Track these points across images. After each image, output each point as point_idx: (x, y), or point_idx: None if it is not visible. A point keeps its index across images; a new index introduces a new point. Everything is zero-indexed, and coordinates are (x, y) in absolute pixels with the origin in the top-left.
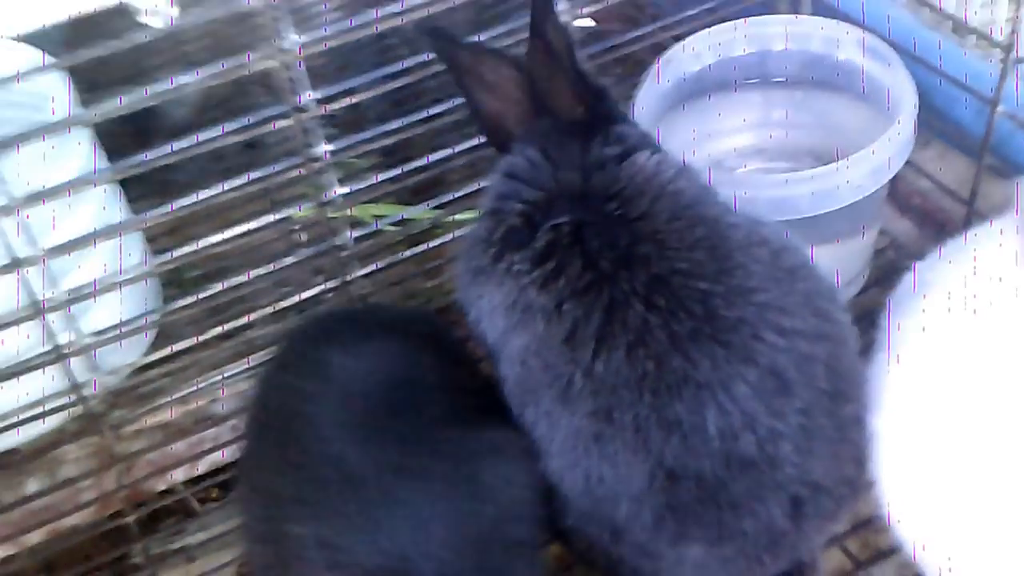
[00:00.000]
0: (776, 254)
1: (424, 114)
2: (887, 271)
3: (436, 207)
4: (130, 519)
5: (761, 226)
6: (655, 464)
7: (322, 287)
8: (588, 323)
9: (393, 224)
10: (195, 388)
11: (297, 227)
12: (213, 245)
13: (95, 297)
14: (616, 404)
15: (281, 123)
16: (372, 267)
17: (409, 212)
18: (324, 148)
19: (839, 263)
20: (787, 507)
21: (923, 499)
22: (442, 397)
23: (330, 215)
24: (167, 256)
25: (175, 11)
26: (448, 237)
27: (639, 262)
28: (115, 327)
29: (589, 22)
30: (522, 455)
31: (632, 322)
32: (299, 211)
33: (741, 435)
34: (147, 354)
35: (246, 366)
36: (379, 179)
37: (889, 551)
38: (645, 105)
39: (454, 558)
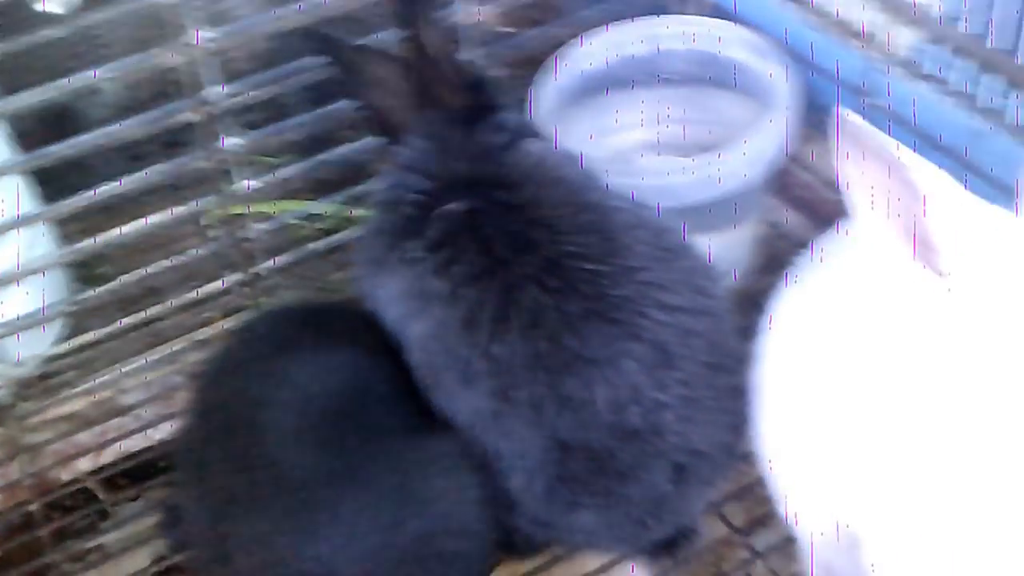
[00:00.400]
0: (657, 235)
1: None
2: (773, 260)
3: (347, 201)
4: (44, 531)
5: (642, 209)
6: (549, 438)
7: (231, 280)
8: (484, 307)
9: (302, 219)
10: (103, 379)
11: (208, 223)
12: (122, 236)
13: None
14: (512, 383)
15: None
16: (272, 261)
17: (313, 207)
18: (232, 141)
19: (724, 251)
20: (670, 473)
21: (799, 470)
22: (392, 406)
23: (235, 210)
24: (76, 247)
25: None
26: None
27: (531, 247)
28: (23, 318)
29: (496, 22)
30: (466, 466)
31: (526, 304)
32: (204, 205)
33: (628, 407)
34: (56, 345)
35: (154, 357)
36: (277, 175)
37: (768, 518)
38: (543, 101)
39: (381, 570)
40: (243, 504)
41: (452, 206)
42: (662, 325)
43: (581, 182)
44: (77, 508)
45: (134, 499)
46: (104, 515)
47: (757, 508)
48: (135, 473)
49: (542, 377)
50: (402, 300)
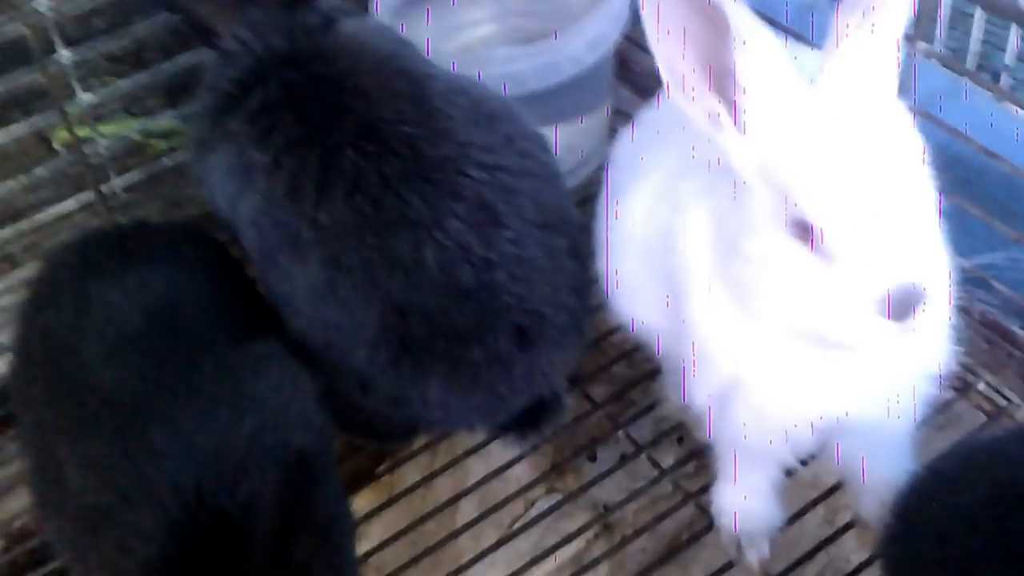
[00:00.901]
0: (476, 102)
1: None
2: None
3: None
4: None
5: (462, 79)
6: (383, 303)
7: (80, 199)
8: (306, 174)
9: (152, 136)
10: None
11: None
12: None
13: None
14: (342, 250)
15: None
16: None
17: (145, 124)
18: (66, 54)
19: (575, 140)
20: (512, 335)
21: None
22: (209, 318)
23: (80, 131)
24: None
25: None
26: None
27: (347, 113)
28: None
29: None
30: (295, 364)
31: (347, 169)
32: (45, 122)
33: (459, 267)
34: None
35: (10, 282)
36: (115, 88)
37: (648, 408)
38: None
39: (216, 470)
40: (73, 431)
41: (270, 81)
42: (483, 184)
43: (396, 53)
44: None
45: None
46: None
47: (617, 384)
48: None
49: (370, 241)
50: (229, 178)
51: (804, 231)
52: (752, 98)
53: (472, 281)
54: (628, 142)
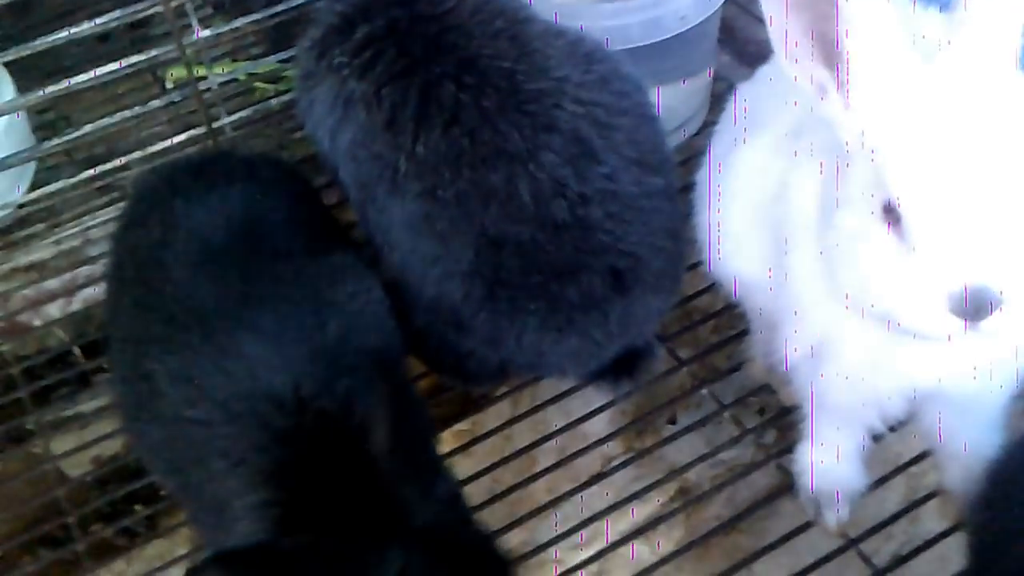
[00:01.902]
0: (573, 44)
1: None
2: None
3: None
4: (23, 393)
5: (559, 26)
6: (478, 235)
7: (190, 133)
8: (406, 105)
9: (262, 80)
10: (70, 231)
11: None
12: (80, 83)
13: None
14: (439, 182)
15: None
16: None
17: (254, 66)
18: None
19: (676, 102)
20: (607, 278)
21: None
22: (288, 233)
23: (197, 70)
24: (37, 93)
25: None
26: None
27: (448, 49)
28: None
29: None
30: (366, 273)
31: (446, 101)
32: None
33: (553, 200)
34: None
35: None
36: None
37: (732, 370)
38: None
39: (311, 373)
40: (165, 344)
41: (376, 18)
42: (578, 117)
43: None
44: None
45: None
46: (86, 382)
47: (702, 345)
48: None
49: (466, 173)
50: (330, 110)
51: (892, 213)
52: (858, 70)
53: (566, 216)
54: (745, 97)
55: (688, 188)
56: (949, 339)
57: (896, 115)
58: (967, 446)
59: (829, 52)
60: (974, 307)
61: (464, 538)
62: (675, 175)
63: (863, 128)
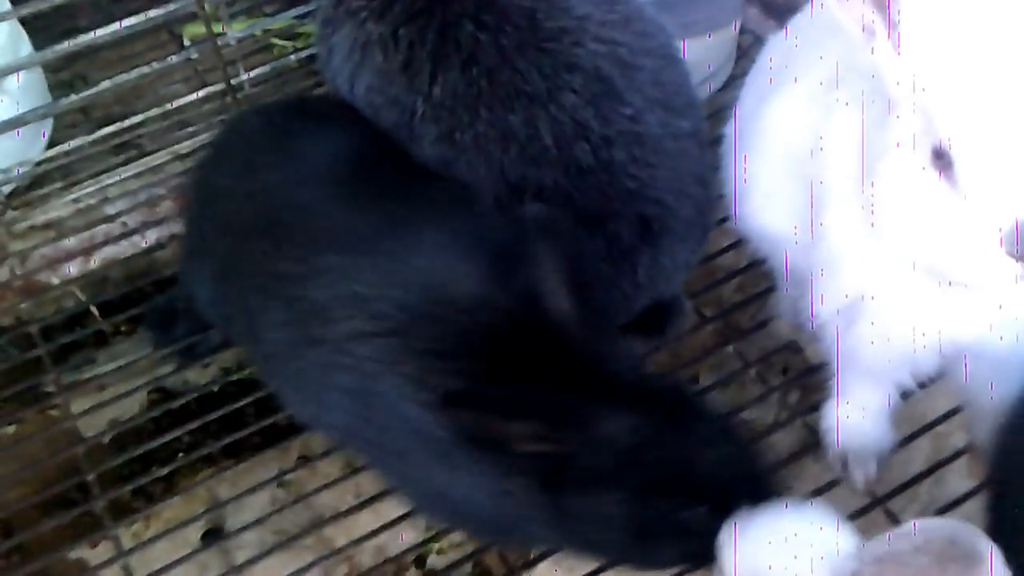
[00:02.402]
0: None
1: None
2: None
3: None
4: (41, 351)
5: None
6: (498, 179)
7: (208, 90)
8: (423, 46)
9: (280, 37)
10: (88, 189)
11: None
12: (97, 39)
13: None
14: (456, 125)
15: None
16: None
17: (266, 23)
18: None
19: (703, 55)
20: (635, 225)
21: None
22: (404, 163)
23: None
24: (54, 48)
25: None
26: None
27: None
28: (4, 122)
29: None
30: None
31: (464, 40)
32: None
33: (575, 142)
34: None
35: (138, 170)
36: None
37: (758, 327)
38: None
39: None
40: (322, 271)
41: None
42: (600, 56)
43: None
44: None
45: (131, 332)
46: (103, 341)
47: (726, 302)
48: (129, 293)
49: (484, 114)
50: (348, 55)
51: (942, 159)
52: (910, 12)
53: (590, 159)
54: (775, 48)
55: (715, 142)
56: (1001, 284)
57: (949, 56)
58: (1000, 402)
59: None
60: None
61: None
62: (702, 119)
63: (913, 71)
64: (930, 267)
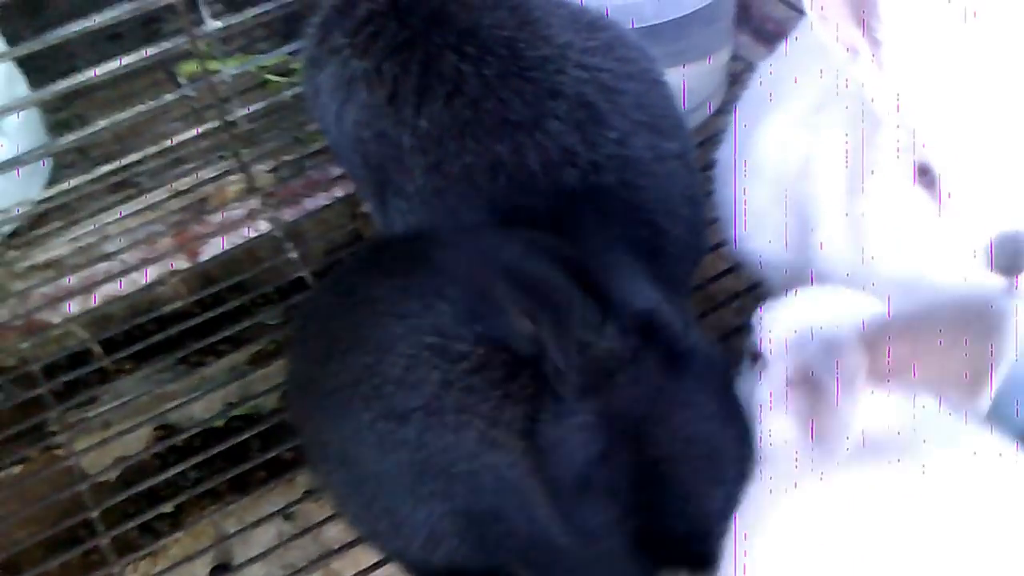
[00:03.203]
0: (575, 14)
1: None
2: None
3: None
4: (44, 390)
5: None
6: (488, 209)
7: (204, 127)
8: (407, 78)
9: (274, 73)
10: (86, 229)
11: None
12: (93, 79)
13: None
14: (444, 156)
15: None
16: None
17: (264, 58)
18: None
19: (695, 83)
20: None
21: None
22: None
23: (210, 65)
24: (51, 88)
25: None
26: None
27: (448, 20)
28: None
29: None
30: None
31: (447, 71)
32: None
33: (563, 168)
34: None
35: (137, 207)
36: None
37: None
38: None
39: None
40: None
41: None
42: (583, 82)
43: None
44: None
45: (133, 369)
46: (105, 378)
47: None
48: (131, 330)
49: (471, 145)
50: (334, 93)
51: (926, 175)
52: (893, 31)
53: (578, 184)
54: (765, 73)
55: (709, 167)
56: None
57: (931, 73)
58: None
59: (861, 12)
60: (1010, 256)
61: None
62: (689, 141)
63: (896, 88)
64: (915, 282)
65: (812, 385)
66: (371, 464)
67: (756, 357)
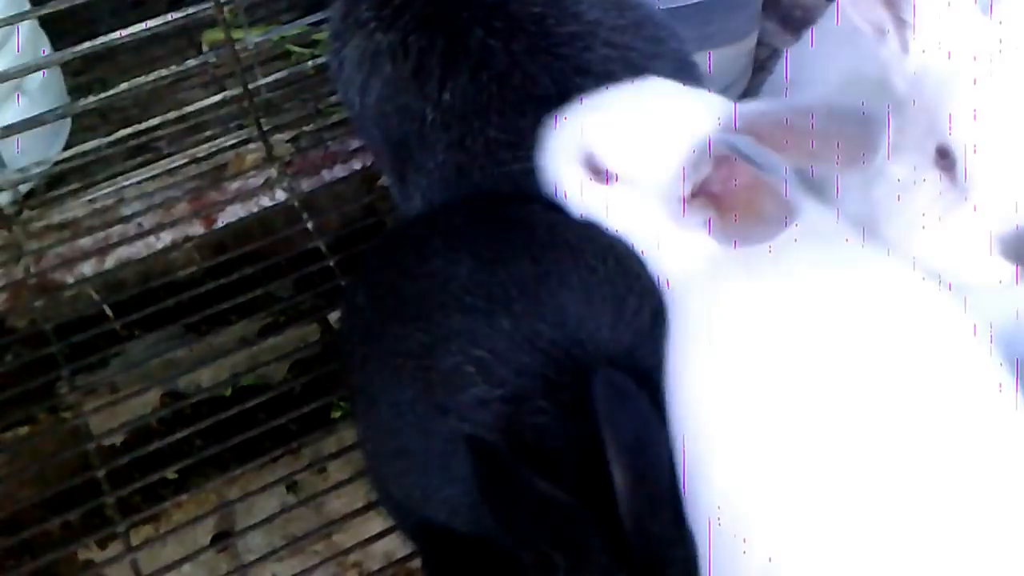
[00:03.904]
0: None
1: None
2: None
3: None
4: (54, 350)
5: None
6: (510, 186)
7: (225, 94)
8: (433, 52)
9: (298, 44)
10: (104, 190)
11: (205, 48)
12: (114, 40)
13: None
14: (467, 131)
15: None
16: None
17: (288, 28)
18: None
19: (720, 67)
20: None
21: None
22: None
23: (235, 34)
24: (73, 49)
25: None
26: None
27: None
28: (23, 121)
29: None
30: None
31: (474, 45)
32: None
33: None
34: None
35: (154, 172)
36: None
37: None
38: None
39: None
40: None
41: None
42: (611, 60)
43: None
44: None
45: (144, 333)
46: (115, 341)
47: None
48: (143, 294)
49: (495, 120)
50: (359, 67)
51: (946, 159)
52: (922, 15)
53: None
54: (793, 59)
55: None
56: (999, 284)
57: (955, 55)
58: None
59: None
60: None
61: None
62: None
63: (920, 70)
64: (928, 266)
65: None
66: (406, 438)
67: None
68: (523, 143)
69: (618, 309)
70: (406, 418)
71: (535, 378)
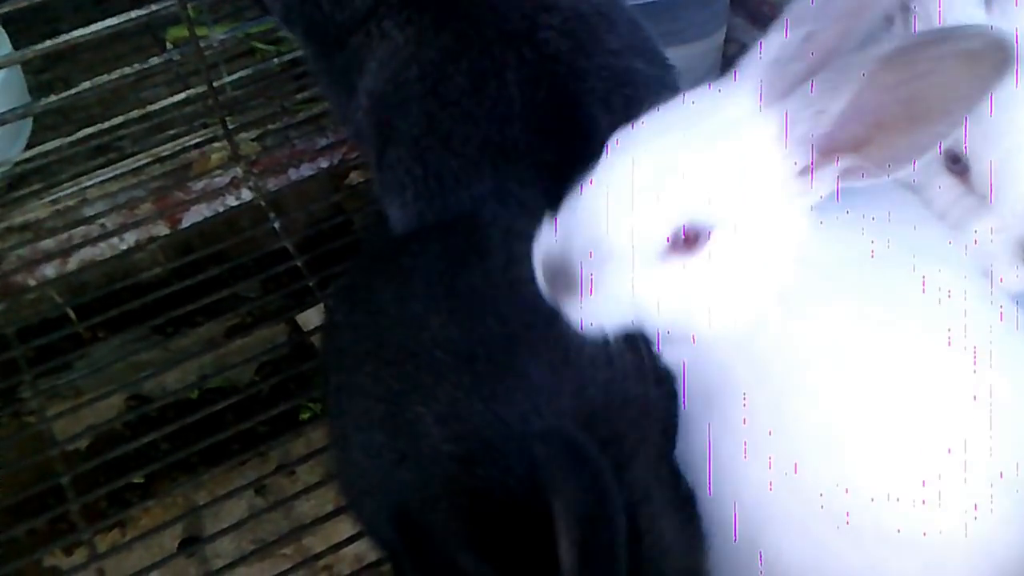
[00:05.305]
0: None
1: None
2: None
3: None
4: (16, 353)
5: None
6: (476, 145)
7: (189, 92)
8: (424, 16)
9: (263, 42)
10: (67, 190)
11: (169, 46)
12: (77, 38)
13: None
14: (439, 78)
15: None
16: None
17: (248, 27)
18: None
19: (689, 62)
20: None
21: None
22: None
23: (199, 31)
24: (35, 47)
25: None
26: None
27: None
28: None
29: None
30: None
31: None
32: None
33: (540, 83)
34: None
35: (118, 171)
36: None
37: None
38: None
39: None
40: (428, 388)
41: None
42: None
43: None
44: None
45: (108, 336)
46: (79, 344)
47: None
48: (107, 296)
49: (463, 66)
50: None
51: (958, 163)
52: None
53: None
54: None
55: None
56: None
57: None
58: None
59: None
60: None
61: None
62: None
63: None
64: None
65: None
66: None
67: None
68: (483, 87)
69: (581, 378)
70: (374, 460)
71: (487, 441)
